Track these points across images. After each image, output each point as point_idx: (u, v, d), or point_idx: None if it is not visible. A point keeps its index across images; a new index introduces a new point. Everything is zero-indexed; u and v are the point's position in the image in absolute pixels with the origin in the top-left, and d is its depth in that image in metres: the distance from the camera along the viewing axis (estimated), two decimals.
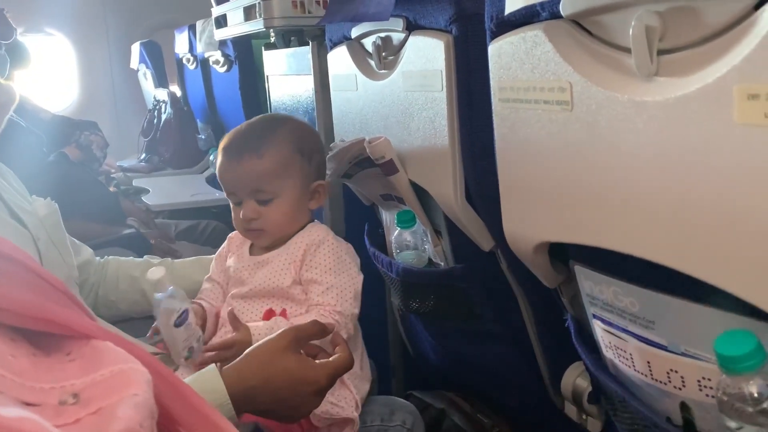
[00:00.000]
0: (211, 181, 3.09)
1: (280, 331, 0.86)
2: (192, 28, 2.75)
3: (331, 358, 0.87)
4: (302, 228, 1.09)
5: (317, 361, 0.86)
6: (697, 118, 0.53)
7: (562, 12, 0.64)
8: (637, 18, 0.56)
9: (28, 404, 0.37)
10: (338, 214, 1.59)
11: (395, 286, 1.19)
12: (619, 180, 0.63)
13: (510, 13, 0.70)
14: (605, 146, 0.63)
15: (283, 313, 1.03)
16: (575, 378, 0.98)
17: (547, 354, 1.06)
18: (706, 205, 0.54)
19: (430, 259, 1.16)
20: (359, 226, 1.41)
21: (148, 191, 2.82)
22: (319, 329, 0.89)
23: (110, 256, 1.31)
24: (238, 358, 0.83)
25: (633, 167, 0.61)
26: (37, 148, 2.01)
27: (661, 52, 0.57)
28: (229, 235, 1.18)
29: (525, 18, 0.69)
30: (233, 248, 1.14)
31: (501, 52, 0.74)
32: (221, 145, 1.10)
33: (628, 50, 0.59)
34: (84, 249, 1.25)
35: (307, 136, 1.11)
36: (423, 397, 1.28)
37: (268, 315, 1.03)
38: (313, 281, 1.03)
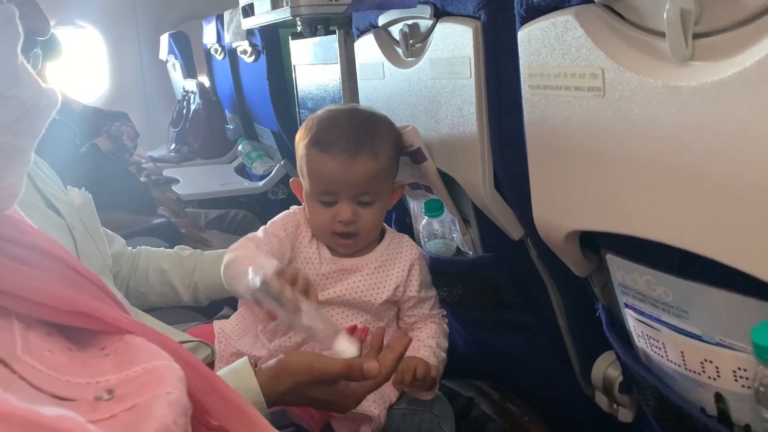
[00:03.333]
0: (240, 170, 3.11)
1: (310, 361, 0.82)
2: (220, 19, 2.76)
3: (363, 382, 0.84)
4: (382, 235, 1.08)
5: (353, 386, 0.84)
6: (734, 104, 0.51)
7: None
8: (671, 1, 0.55)
9: (63, 399, 0.38)
10: None
11: None
12: (653, 167, 0.61)
13: None
14: (638, 133, 0.62)
15: (365, 331, 1.01)
16: (606, 368, 0.97)
17: (578, 343, 1.05)
18: (742, 193, 0.53)
19: (458, 248, 1.16)
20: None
21: (178, 181, 2.86)
22: (348, 375, 0.83)
23: (142, 247, 1.33)
24: (271, 365, 0.83)
25: (667, 154, 0.60)
26: (69, 140, 2.04)
27: (696, 36, 0.55)
28: (297, 209, 1.07)
29: (555, 3, 0.68)
30: (306, 234, 1.05)
31: (531, 37, 0.73)
32: (313, 137, 1.00)
33: (662, 34, 0.58)
34: (117, 239, 1.27)
35: (397, 133, 1.05)
36: (451, 385, 1.27)
37: (352, 330, 1.00)
38: (424, 299, 1.07)
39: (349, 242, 1.02)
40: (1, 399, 0.29)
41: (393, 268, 1.05)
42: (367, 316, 1.04)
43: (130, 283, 1.26)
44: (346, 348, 0.84)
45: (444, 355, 1.07)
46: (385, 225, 1.12)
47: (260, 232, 1.05)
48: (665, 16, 0.55)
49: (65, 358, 0.40)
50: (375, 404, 0.99)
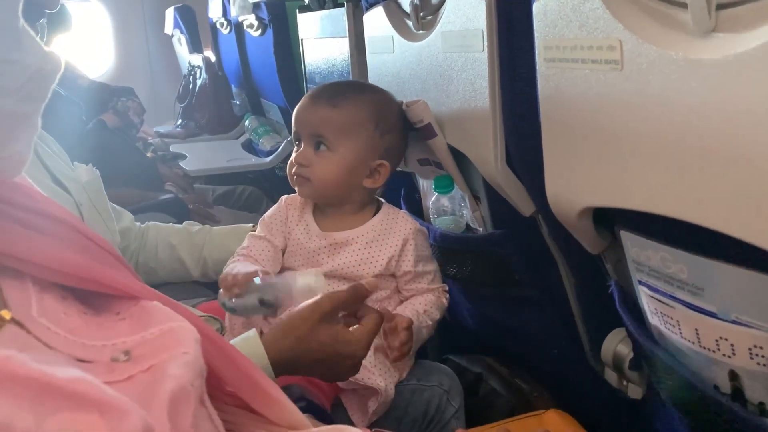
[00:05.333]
0: (247, 146, 3.10)
1: (315, 300, 0.84)
2: None
3: (363, 322, 0.85)
4: (377, 210, 1.09)
5: (351, 330, 0.84)
6: (758, 77, 0.50)
7: None
8: None
9: (80, 360, 0.38)
10: None
11: (433, 251, 1.18)
12: (671, 142, 0.60)
13: None
14: (657, 107, 0.61)
15: None
16: (616, 344, 0.96)
17: (588, 320, 1.04)
18: (763, 169, 0.52)
19: (468, 225, 1.15)
20: (395, 191, 1.40)
21: (185, 156, 2.85)
22: (354, 296, 0.86)
23: (150, 222, 1.33)
24: (276, 326, 0.83)
25: (686, 129, 0.58)
26: (76, 116, 2.04)
27: (719, 7, 0.54)
28: (285, 199, 1.13)
29: None
30: (293, 217, 1.10)
31: (546, 9, 0.71)
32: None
33: (683, 5, 0.56)
34: (125, 215, 1.27)
35: (390, 113, 1.08)
36: (460, 361, 1.28)
37: None
38: (422, 273, 1.08)
39: (302, 189, 1.08)
40: (16, 360, 0.29)
41: (386, 242, 1.06)
42: None
43: (140, 258, 1.27)
44: (307, 278, 0.88)
45: (430, 323, 1.06)
46: (382, 200, 1.13)
47: (251, 239, 1.09)
48: None
49: (81, 321, 0.40)
50: (381, 377, 0.99)
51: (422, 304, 1.06)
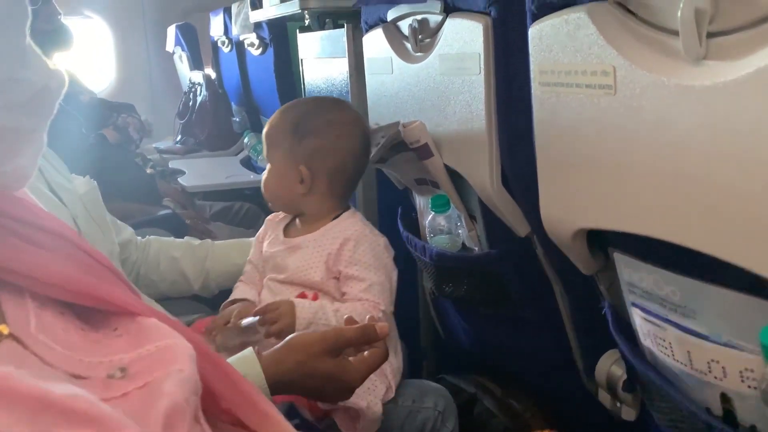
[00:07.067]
0: (246, 163, 3.11)
1: (323, 331, 0.83)
2: (227, 11, 2.76)
3: (366, 354, 0.84)
4: (336, 216, 1.10)
5: (353, 360, 0.84)
6: (749, 104, 0.51)
7: None
8: (686, 1, 0.54)
9: (77, 377, 0.38)
10: (371, 198, 1.59)
11: (428, 270, 1.19)
12: (663, 166, 0.61)
13: None
14: (649, 131, 0.62)
15: (314, 298, 1.04)
16: (610, 365, 0.97)
17: (582, 340, 1.05)
18: (755, 194, 0.53)
19: (463, 244, 1.16)
20: (392, 210, 1.41)
21: (184, 173, 2.86)
22: (362, 337, 0.83)
23: (151, 236, 1.33)
24: (276, 347, 0.83)
25: (678, 154, 0.59)
26: (76, 130, 2.05)
27: (710, 35, 0.55)
28: (267, 217, 1.20)
29: (568, 0, 0.68)
30: (269, 231, 1.17)
31: (542, 34, 0.73)
32: None
33: (675, 33, 0.58)
34: (125, 228, 1.28)
35: (308, 118, 1.10)
36: (454, 381, 1.28)
37: (301, 297, 1.04)
38: (355, 278, 1.03)
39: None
40: (14, 376, 0.29)
41: (326, 244, 1.06)
42: (320, 293, 1.06)
43: (141, 270, 1.27)
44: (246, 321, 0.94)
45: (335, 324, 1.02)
46: (352, 210, 1.14)
47: (247, 264, 1.19)
48: (679, 14, 0.55)
49: (78, 337, 0.40)
50: (362, 398, 0.99)
51: (346, 308, 1.01)
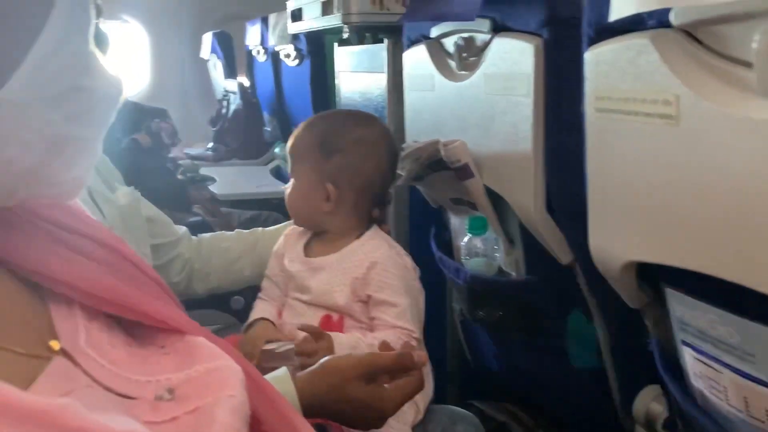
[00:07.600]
0: (275, 173, 3.12)
1: (359, 355, 0.81)
2: (265, 21, 2.77)
3: (402, 382, 0.81)
4: (359, 235, 1.07)
5: (388, 387, 0.81)
6: None
7: (672, 21, 0.61)
8: (763, 32, 0.52)
9: (125, 396, 0.36)
10: (403, 215, 1.57)
11: (462, 293, 1.16)
12: (725, 203, 0.58)
13: (615, 20, 0.67)
14: (712, 165, 0.59)
15: (340, 321, 1.01)
16: (650, 402, 0.93)
17: (620, 375, 1.01)
18: None
19: (500, 268, 1.13)
20: (424, 229, 1.39)
21: (214, 180, 2.87)
22: (398, 365, 0.80)
23: (203, 234, 1.36)
24: (311, 369, 0.81)
25: (742, 190, 0.57)
26: (110, 135, 2.06)
27: None
28: (284, 232, 1.17)
29: (630, 25, 0.66)
30: (288, 247, 1.13)
31: (599, 59, 0.71)
32: None
33: (745, 64, 0.55)
34: (180, 227, 1.31)
35: (337, 134, 1.07)
36: (484, 407, 1.25)
37: (326, 320, 1.02)
38: (386, 303, 1.00)
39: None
40: (72, 410, 0.28)
41: (351, 267, 1.02)
42: (345, 316, 1.03)
43: (195, 265, 1.28)
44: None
45: None
46: (375, 229, 1.09)
47: (265, 281, 1.15)
48: (754, 46, 0.53)
49: (125, 354, 0.39)
50: (389, 422, 0.96)
51: (376, 341, 0.96)
